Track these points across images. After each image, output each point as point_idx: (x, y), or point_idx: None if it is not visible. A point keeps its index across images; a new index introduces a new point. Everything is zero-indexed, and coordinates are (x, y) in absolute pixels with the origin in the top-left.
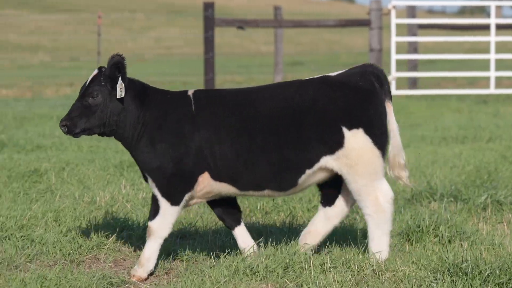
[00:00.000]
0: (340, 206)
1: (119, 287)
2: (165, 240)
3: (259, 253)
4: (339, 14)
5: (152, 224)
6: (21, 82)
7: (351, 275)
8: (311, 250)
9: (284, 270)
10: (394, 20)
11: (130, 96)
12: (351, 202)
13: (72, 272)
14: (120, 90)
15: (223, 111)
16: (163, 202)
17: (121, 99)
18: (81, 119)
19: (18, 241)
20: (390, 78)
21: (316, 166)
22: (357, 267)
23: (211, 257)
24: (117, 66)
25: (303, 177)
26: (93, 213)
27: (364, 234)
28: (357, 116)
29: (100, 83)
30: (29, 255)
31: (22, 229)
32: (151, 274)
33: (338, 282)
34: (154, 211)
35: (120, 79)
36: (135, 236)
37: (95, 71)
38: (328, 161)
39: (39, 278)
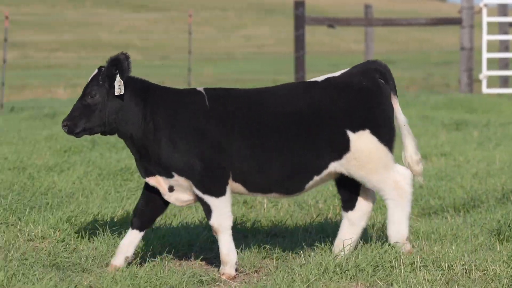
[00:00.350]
0: (361, 209)
1: (209, 285)
2: (256, 238)
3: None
4: (430, 13)
5: (212, 222)
6: None
7: (441, 274)
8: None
9: (374, 268)
10: (486, 18)
11: (129, 94)
12: (372, 201)
13: (163, 270)
14: (119, 87)
15: (234, 111)
16: (209, 199)
17: (120, 97)
18: (82, 119)
19: (109, 238)
20: (481, 76)
21: (325, 172)
22: (447, 266)
23: (301, 256)
24: (114, 63)
25: (311, 183)
26: (183, 211)
27: (453, 233)
28: (362, 117)
29: (98, 83)
30: None
31: (113, 226)
32: (236, 270)
33: (428, 281)
34: (207, 210)
35: (118, 76)
36: None
37: (95, 71)
38: (337, 167)
39: (129, 276)
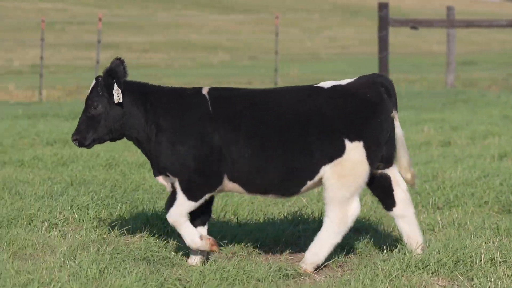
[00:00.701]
0: (402, 201)
1: (295, 279)
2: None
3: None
4: (510, 14)
5: (169, 216)
6: (202, 80)
7: None
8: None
9: (455, 264)
10: None
11: (130, 99)
12: (405, 188)
13: (250, 264)
14: (117, 95)
15: (237, 112)
16: (181, 196)
17: (121, 104)
18: (89, 131)
19: None
20: None
21: (317, 176)
22: None
23: (383, 251)
24: (109, 74)
25: (305, 187)
26: (269, 207)
27: None
28: (361, 128)
29: (98, 93)
30: None
31: None
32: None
33: (508, 276)
34: (171, 201)
35: (115, 85)
36: (311, 229)
37: (93, 82)
38: (327, 170)
39: (218, 270)
